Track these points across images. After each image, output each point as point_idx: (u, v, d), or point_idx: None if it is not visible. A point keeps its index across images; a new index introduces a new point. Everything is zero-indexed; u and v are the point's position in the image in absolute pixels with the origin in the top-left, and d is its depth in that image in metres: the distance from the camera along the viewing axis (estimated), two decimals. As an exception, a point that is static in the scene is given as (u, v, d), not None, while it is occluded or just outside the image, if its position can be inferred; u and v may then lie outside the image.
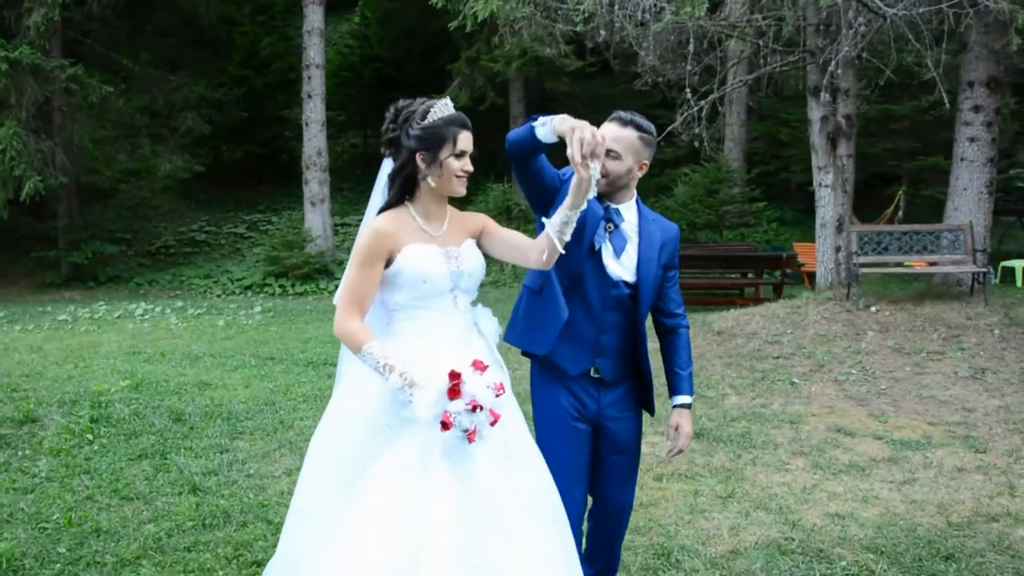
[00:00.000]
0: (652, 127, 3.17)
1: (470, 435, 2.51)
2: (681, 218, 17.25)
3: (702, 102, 10.03)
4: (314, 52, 17.82)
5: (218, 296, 16.82)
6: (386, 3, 23.79)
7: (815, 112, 10.52)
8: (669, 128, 9.92)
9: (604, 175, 3.03)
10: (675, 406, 3.32)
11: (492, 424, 2.55)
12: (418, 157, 2.73)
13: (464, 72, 19.40)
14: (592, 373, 3.20)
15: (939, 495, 5.07)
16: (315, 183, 18.02)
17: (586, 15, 8.64)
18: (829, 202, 10.65)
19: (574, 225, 2.73)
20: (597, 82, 24.08)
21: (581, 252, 3.09)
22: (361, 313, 2.69)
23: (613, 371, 3.22)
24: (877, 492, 5.13)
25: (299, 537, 2.72)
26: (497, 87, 20.04)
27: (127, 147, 18.06)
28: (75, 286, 17.42)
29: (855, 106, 10.56)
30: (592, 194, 2.63)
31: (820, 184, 10.72)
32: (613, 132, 3.08)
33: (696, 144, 10.81)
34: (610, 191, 3.14)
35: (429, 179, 2.74)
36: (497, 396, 2.55)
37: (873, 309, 9.59)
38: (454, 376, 2.50)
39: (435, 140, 2.70)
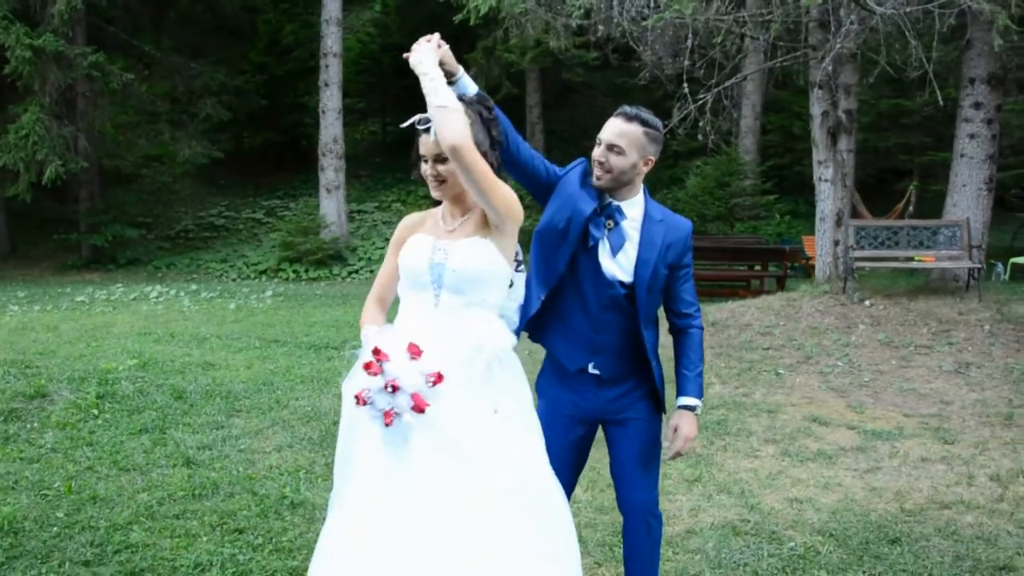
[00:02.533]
0: (658, 122, 3.05)
1: (386, 416, 2.40)
2: (692, 210, 17.36)
3: (707, 95, 10.18)
4: (332, 41, 18.11)
5: (233, 280, 17.22)
6: (405, -9, 24.04)
7: (816, 107, 10.65)
8: (670, 124, 10.09)
9: (608, 171, 3.00)
10: (679, 407, 3.17)
11: (418, 411, 2.41)
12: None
13: (480, 62, 19.61)
14: (590, 370, 3.11)
15: (899, 483, 5.26)
16: (331, 170, 18.35)
17: (582, 10, 8.81)
18: (829, 196, 10.78)
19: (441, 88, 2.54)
20: (614, 72, 24.15)
21: (566, 250, 3.02)
22: (379, 300, 2.82)
23: (611, 369, 3.12)
24: (840, 479, 5.33)
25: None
26: (513, 77, 20.23)
27: (148, 132, 18.55)
28: (95, 268, 17.92)
29: (856, 101, 10.66)
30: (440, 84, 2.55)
31: (820, 178, 10.85)
32: (618, 127, 2.99)
33: (700, 137, 10.96)
34: (614, 187, 3.04)
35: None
36: (432, 386, 2.43)
37: (867, 303, 9.73)
38: (375, 352, 2.42)
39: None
